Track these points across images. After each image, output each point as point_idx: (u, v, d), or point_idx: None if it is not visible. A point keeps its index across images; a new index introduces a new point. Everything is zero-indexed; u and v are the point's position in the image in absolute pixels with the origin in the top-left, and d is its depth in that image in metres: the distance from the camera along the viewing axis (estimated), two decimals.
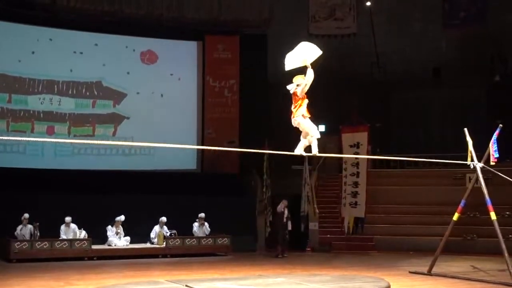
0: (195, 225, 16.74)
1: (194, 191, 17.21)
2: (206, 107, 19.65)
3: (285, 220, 16.51)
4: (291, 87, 8.55)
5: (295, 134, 8.97)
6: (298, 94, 8.42)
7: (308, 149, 8.75)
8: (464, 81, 21.37)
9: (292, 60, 8.51)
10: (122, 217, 15.88)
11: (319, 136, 8.66)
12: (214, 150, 18.58)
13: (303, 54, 8.48)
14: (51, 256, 14.70)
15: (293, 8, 22.23)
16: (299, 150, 8.75)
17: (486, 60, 21.39)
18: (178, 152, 18.02)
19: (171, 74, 19.42)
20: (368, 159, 18.35)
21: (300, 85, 8.41)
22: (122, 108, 18.87)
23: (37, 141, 16.48)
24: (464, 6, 22.04)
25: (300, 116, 8.44)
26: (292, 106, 8.56)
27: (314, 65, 8.54)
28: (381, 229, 17.99)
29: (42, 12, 17.97)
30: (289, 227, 16.72)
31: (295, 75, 8.60)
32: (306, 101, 8.48)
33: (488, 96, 21.52)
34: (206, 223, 16.72)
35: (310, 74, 8.39)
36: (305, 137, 8.67)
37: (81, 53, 18.42)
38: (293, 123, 8.59)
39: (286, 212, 16.63)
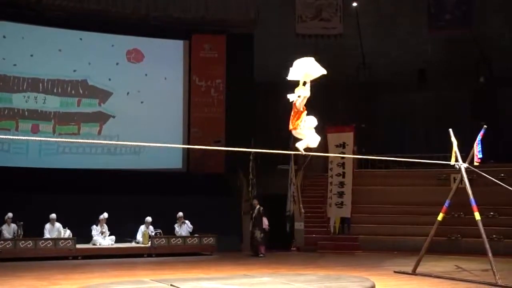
0: (176, 225, 16.71)
1: (179, 191, 17.18)
2: (192, 106, 19.62)
3: (253, 219, 16.62)
4: (292, 97, 8.53)
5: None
6: (297, 106, 8.43)
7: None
8: (449, 83, 21.51)
9: (295, 72, 8.46)
10: (105, 215, 15.81)
11: (314, 145, 8.65)
12: (200, 149, 18.60)
13: (308, 69, 8.45)
14: (35, 255, 14.58)
15: (280, 8, 22.28)
16: (300, 145, 8.71)
17: (471, 62, 21.56)
18: (164, 151, 17.99)
19: (157, 73, 19.36)
20: (354, 159, 18.41)
21: (301, 96, 8.41)
22: (107, 107, 18.78)
23: (22, 139, 16.37)
24: (450, 9, 22.22)
25: (299, 129, 8.48)
26: (291, 117, 8.54)
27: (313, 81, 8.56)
28: (366, 229, 18.04)
29: (28, 10, 17.84)
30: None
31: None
32: (305, 113, 8.48)
33: (473, 97, 21.68)
34: (186, 221, 16.67)
35: (307, 89, 8.41)
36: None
37: (67, 51, 18.32)
38: (294, 134, 8.66)
39: (255, 211, 16.70)
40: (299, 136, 8.64)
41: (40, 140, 17.03)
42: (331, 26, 22.22)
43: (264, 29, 20.47)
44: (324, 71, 8.50)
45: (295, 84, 8.50)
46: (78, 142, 17.75)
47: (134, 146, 18.44)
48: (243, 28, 19.85)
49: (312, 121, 8.56)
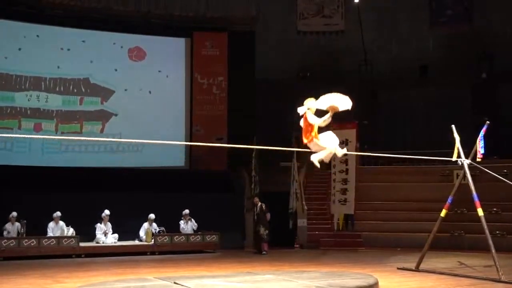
0: (181, 222, 16.74)
1: (182, 188, 17.19)
2: (194, 104, 19.64)
3: (255, 217, 16.61)
4: (301, 110, 8.40)
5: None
6: (309, 120, 8.29)
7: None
8: (450, 79, 21.50)
9: (323, 101, 8.39)
10: (107, 212, 15.82)
11: (332, 149, 8.55)
12: (203, 147, 18.62)
13: (335, 101, 8.41)
14: (38, 253, 14.61)
15: (281, 5, 22.28)
16: (315, 158, 8.65)
17: (473, 58, 21.54)
18: (166, 149, 18.02)
19: (159, 71, 19.39)
20: (356, 156, 18.39)
21: (311, 109, 8.31)
22: (110, 105, 18.80)
23: (26, 137, 16.38)
24: (451, 5, 22.22)
25: (313, 142, 8.41)
26: (303, 130, 8.45)
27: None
28: (369, 225, 18.05)
29: (29, 9, 17.86)
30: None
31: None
32: (316, 127, 8.37)
33: (474, 93, 21.67)
34: (192, 219, 16.72)
35: (327, 119, 8.31)
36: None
37: (68, 49, 18.35)
38: (310, 147, 8.56)
39: (257, 208, 16.71)
40: (315, 148, 8.50)
41: (44, 138, 17.04)
42: (333, 22, 22.24)
43: (265, 26, 20.48)
44: (350, 105, 8.36)
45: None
46: (81, 140, 17.78)
47: (136, 143, 18.42)
48: (244, 25, 19.85)
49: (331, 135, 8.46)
